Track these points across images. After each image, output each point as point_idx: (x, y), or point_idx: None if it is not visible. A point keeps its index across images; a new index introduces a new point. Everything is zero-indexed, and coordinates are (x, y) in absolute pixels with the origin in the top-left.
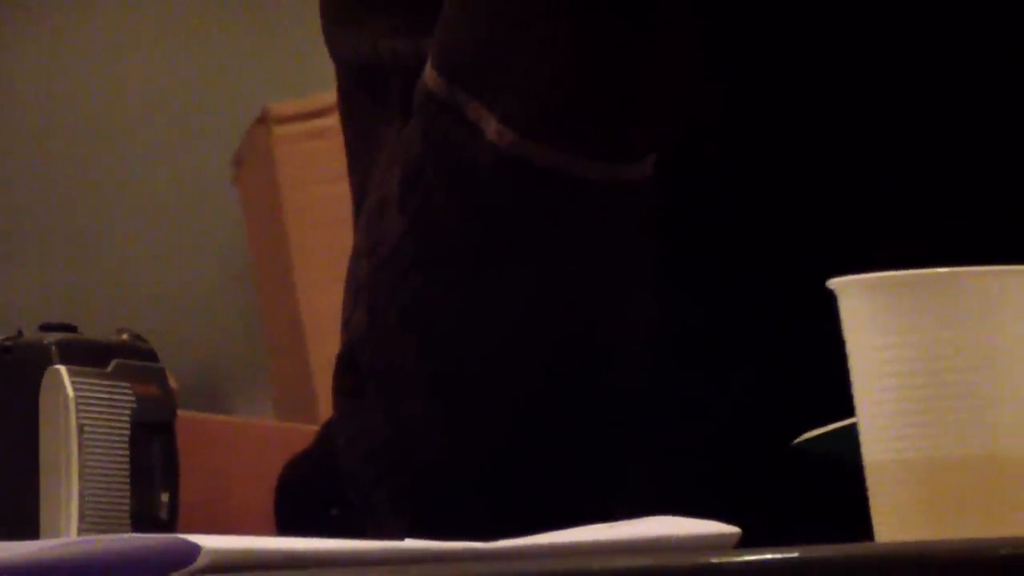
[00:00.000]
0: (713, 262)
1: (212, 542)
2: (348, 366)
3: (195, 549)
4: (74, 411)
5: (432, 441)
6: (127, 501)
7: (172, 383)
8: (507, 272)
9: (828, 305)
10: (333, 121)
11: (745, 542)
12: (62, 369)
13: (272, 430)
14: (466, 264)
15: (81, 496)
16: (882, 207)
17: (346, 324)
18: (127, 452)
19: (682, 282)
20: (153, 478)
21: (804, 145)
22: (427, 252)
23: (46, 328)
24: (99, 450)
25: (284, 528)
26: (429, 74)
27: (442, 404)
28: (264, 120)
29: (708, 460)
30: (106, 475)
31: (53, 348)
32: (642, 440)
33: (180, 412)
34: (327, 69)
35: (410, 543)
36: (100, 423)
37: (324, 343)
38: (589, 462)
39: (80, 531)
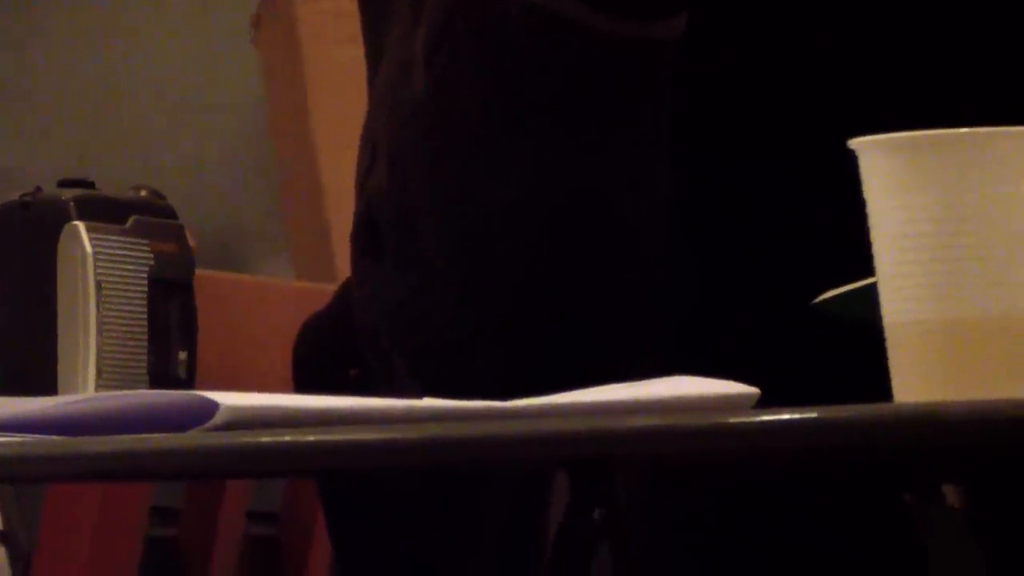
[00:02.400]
0: (734, 124)
1: (230, 399)
2: (365, 225)
3: (213, 406)
4: (92, 267)
5: (449, 300)
6: (145, 358)
7: (190, 241)
8: (532, 132)
9: (851, 169)
10: None
11: (764, 404)
12: (80, 225)
13: (290, 289)
14: (491, 124)
15: (99, 353)
16: (898, 76)
17: (362, 183)
18: (145, 309)
19: (703, 144)
20: (171, 336)
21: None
22: (452, 111)
23: (64, 184)
24: (117, 307)
25: (302, 387)
26: None
27: (460, 264)
28: None
29: (726, 323)
30: (124, 332)
31: (71, 204)
32: (659, 304)
33: (198, 271)
34: None
35: (429, 401)
36: (118, 279)
37: (343, 202)
38: (606, 326)
39: (98, 387)
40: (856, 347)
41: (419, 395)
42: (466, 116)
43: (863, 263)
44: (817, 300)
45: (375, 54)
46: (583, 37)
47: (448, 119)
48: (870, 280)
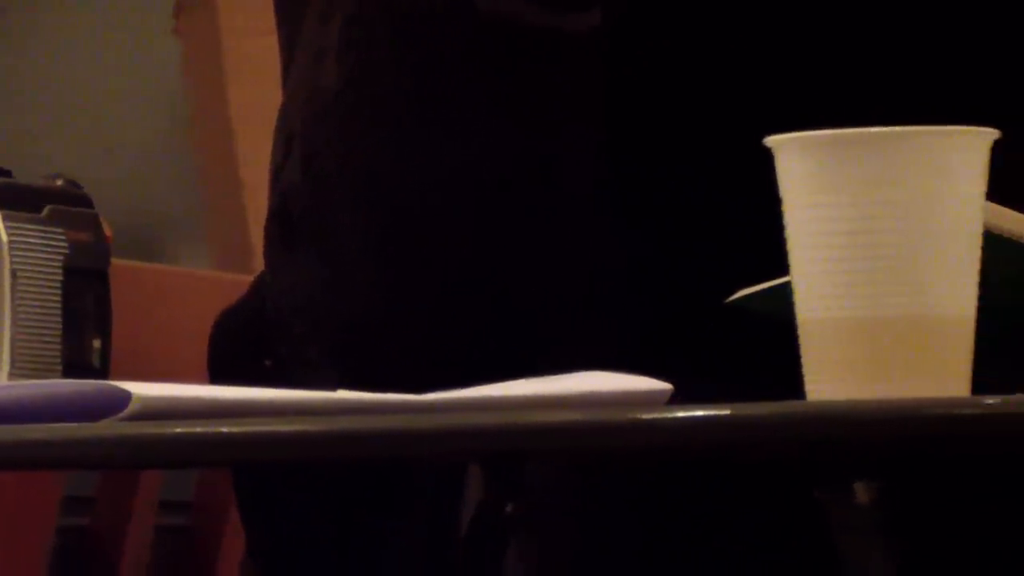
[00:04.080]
0: (657, 124)
1: (143, 389)
2: (280, 215)
3: (126, 396)
4: (7, 255)
5: (365, 291)
6: (59, 347)
7: (106, 230)
8: (448, 122)
9: (768, 167)
10: None
11: (679, 400)
12: None
13: (207, 280)
14: (407, 113)
15: (13, 342)
16: (823, 74)
17: (276, 174)
18: (59, 298)
19: (625, 144)
20: (86, 325)
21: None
22: (367, 101)
23: None
24: (32, 295)
25: (216, 378)
26: None
27: (377, 254)
28: None
29: (643, 318)
30: (38, 321)
31: None
32: (579, 298)
33: (115, 260)
34: None
35: (342, 394)
36: (33, 268)
37: (261, 193)
38: (525, 319)
39: (11, 376)
40: (770, 345)
41: (333, 386)
42: (382, 106)
43: (778, 261)
44: (732, 298)
45: (289, 46)
46: (498, 28)
47: (364, 109)
48: (784, 279)
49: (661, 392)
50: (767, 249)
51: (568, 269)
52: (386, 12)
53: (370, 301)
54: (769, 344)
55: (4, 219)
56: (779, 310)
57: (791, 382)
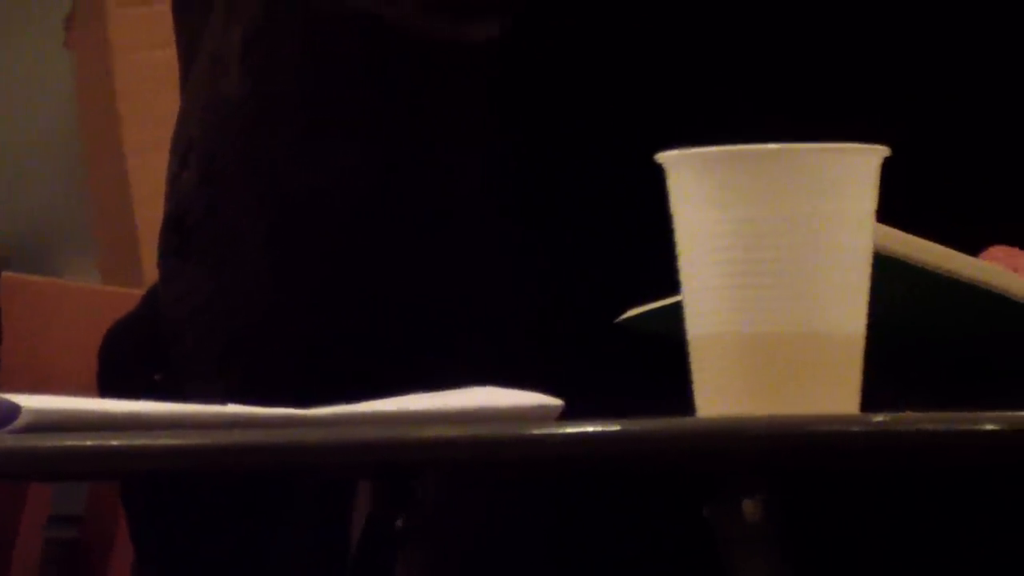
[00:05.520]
0: (549, 135)
1: (32, 402)
2: (174, 224)
3: (15, 408)
4: None
5: (259, 299)
6: None
7: None
8: (349, 129)
9: (660, 182)
10: None
11: (570, 416)
12: None
13: (97, 293)
14: (309, 122)
15: None
16: (716, 83)
17: (173, 182)
18: None
19: (519, 155)
20: None
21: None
22: (269, 108)
23: None
24: None
25: (106, 391)
26: None
27: (274, 261)
28: None
29: (535, 334)
30: None
31: None
32: (470, 312)
33: (4, 273)
34: None
35: (232, 408)
36: None
37: (151, 207)
38: (418, 331)
39: None
40: (661, 361)
41: (223, 398)
42: (283, 114)
43: (670, 279)
44: (623, 317)
45: (188, 54)
46: (399, 38)
47: (265, 117)
48: (675, 298)
49: (552, 408)
50: (659, 265)
51: (462, 282)
52: (289, 21)
53: (264, 309)
54: (660, 360)
55: None
56: (670, 329)
57: (682, 398)
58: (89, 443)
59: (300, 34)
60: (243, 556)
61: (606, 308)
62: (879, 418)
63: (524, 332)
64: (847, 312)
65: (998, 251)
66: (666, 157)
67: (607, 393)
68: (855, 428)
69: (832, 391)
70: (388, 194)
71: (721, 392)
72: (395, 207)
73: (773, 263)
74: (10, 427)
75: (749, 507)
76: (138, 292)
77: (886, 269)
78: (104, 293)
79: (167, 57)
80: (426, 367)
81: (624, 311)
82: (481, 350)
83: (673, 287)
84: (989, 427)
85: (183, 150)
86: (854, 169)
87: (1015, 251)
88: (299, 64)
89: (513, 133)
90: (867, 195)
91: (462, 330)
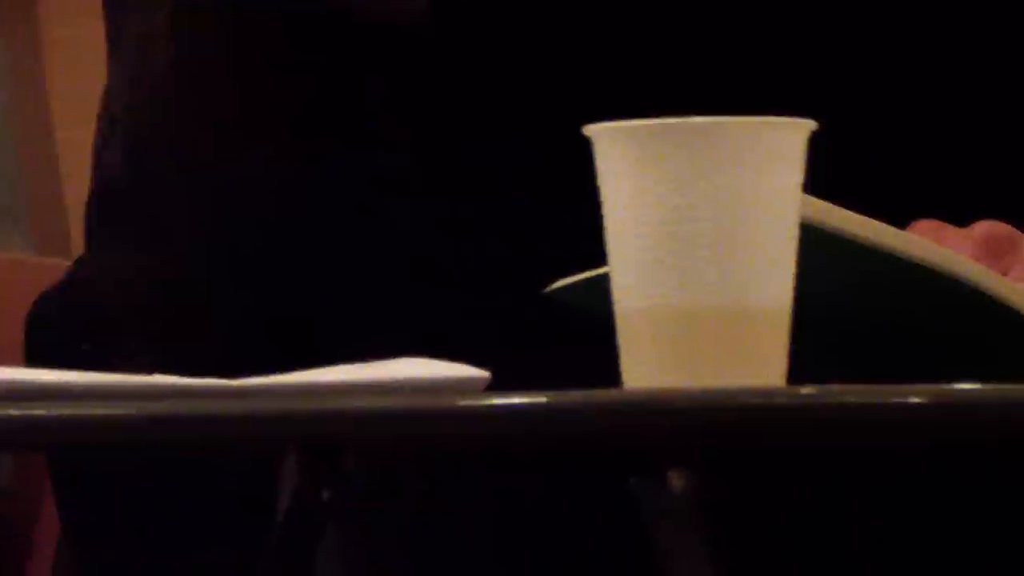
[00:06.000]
0: (478, 110)
1: None
2: (100, 198)
3: None
4: None
5: (183, 276)
6: None
7: None
8: (277, 107)
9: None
10: None
11: (497, 388)
12: None
13: (26, 265)
14: (235, 97)
15: None
16: (646, 63)
17: (98, 157)
18: None
19: (446, 131)
20: None
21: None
22: (193, 89)
23: None
24: None
25: (32, 362)
26: None
27: (195, 239)
28: None
29: (462, 306)
30: None
31: None
32: (398, 285)
33: None
34: None
35: (158, 378)
36: None
37: (81, 177)
38: (343, 308)
39: None
40: (588, 333)
41: (149, 371)
42: (206, 94)
43: (597, 251)
44: (550, 288)
45: (115, 31)
46: (328, 15)
47: (188, 97)
48: (602, 270)
49: (478, 379)
50: (587, 238)
51: (387, 256)
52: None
53: (187, 286)
54: (587, 333)
55: None
56: (596, 301)
57: (609, 371)
58: (13, 413)
59: (223, 15)
60: (169, 527)
61: (533, 280)
62: (805, 391)
63: (451, 305)
64: (774, 285)
65: (925, 224)
66: (593, 130)
67: (534, 366)
68: (781, 400)
69: (759, 364)
70: (316, 173)
71: (648, 365)
72: (323, 185)
73: (700, 236)
74: None
75: (674, 478)
76: (67, 263)
77: (813, 242)
78: (33, 264)
79: (96, 32)
80: (354, 342)
81: (551, 283)
82: (408, 324)
83: (601, 260)
84: (916, 400)
85: (107, 126)
86: (782, 142)
87: (942, 224)
88: (220, 46)
89: (442, 109)
90: (795, 168)
91: (389, 304)
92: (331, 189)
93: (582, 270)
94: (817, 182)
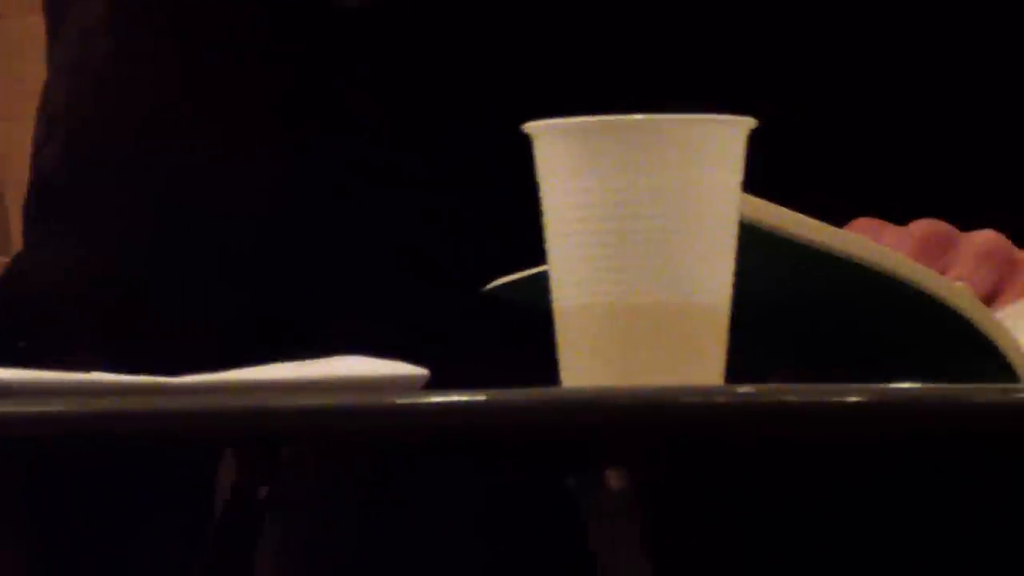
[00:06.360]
0: (418, 106)
1: None
2: (38, 194)
3: None
4: None
5: (122, 272)
6: None
7: None
8: (213, 105)
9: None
10: None
11: (435, 386)
12: None
13: None
14: (174, 90)
15: None
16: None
17: (38, 150)
18: None
19: (389, 125)
20: None
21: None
22: (133, 82)
23: None
24: None
25: None
26: None
27: (134, 235)
28: None
29: (401, 304)
30: None
31: None
32: (337, 285)
33: None
34: None
35: (98, 376)
36: None
37: (20, 173)
38: (282, 306)
39: None
40: (527, 331)
41: (88, 367)
42: (145, 88)
43: (538, 249)
44: (490, 286)
45: (55, 23)
46: (268, 5)
47: (128, 90)
48: (541, 267)
49: (417, 377)
50: (528, 236)
51: (327, 253)
52: None
53: (126, 282)
54: (528, 330)
55: None
56: (536, 298)
57: (548, 369)
58: None
59: (162, 8)
60: (106, 524)
61: (473, 278)
62: (743, 389)
63: (391, 303)
64: (714, 283)
65: (863, 222)
66: (532, 127)
67: (474, 364)
68: (719, 399)
69: (698, 362)
70: (256, 169)
71: (587, 363)
72: (264, 182)
73: (639, 233)
74: None
75: (612, 477)
76: (5, 260)
77: (752, 240)
78: None
79: (36, 25)
80: (295, 341)
81: (491, 281)
82: (348, 323)
83: (542, 258)
84: (854, 399)
85: (47, 119)
86: (721, 140)
87: (880, 223)
88: (160, 39)
89: (383, 104)
90: (734, 166)
91: (330, 303)
92: (271, 189)
93: (523, 268)
94: (755, 180)
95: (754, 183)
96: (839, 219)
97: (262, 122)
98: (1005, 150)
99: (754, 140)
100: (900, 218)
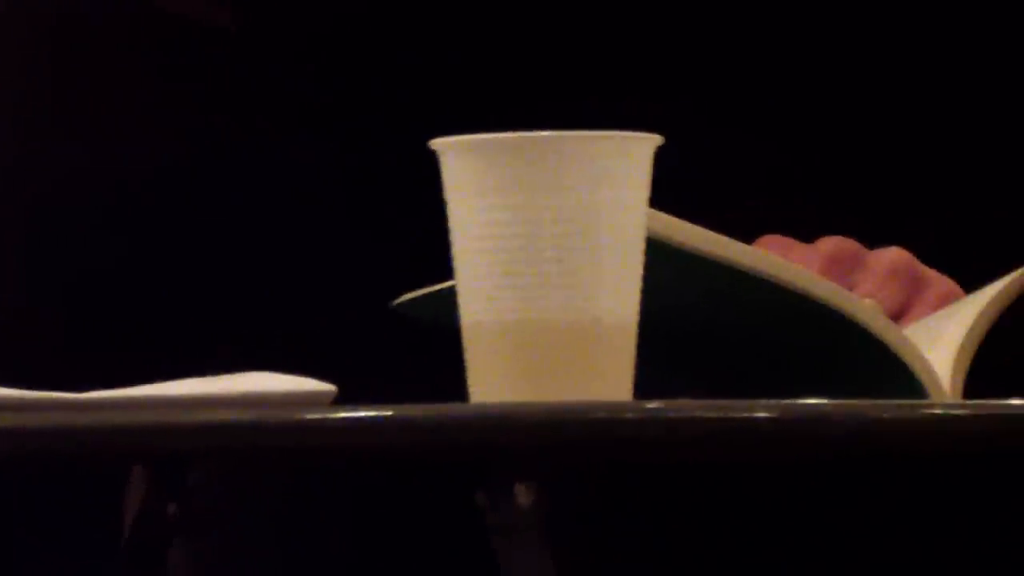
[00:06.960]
0: (322, 123)
1: None
2: None
3: None
4: None
5: (13, 289)
6: None
7: None
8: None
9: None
10: None
11: (344, 401)
12: None
13: None
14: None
15: None
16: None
17: None
18: None
19: (292, 142)
20: None
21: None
22: (7, 93)
23: None
24: None
25: None
26: None
27: (25, 254)
28: None
29: (310, 320)
30: None
31: None
32: (241, 299)
33: None
34: None
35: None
36: None
37: None
38: (184, 320)
39: None
40: (436, 347)
41: None
42: (19, 99)
43: (446, 265)
44: (397, 301)
45: None
46: (149, 19)
47: (5, 106)
48: (448, 283)
49: (324, 393)
50: (435, 252)
51: (233, 269)
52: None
53: (18, 297)
54: (436, 346)
55: None
56: (443, 315)
57: (456, 386)
58: None
59: (36, 20)
60: (12, 546)
61: (381, 294)
62: (652, 405)
63: (297, 318)
64: (621, 299)
65: (771, 239)
66: (438, 143)
67: (381, 380)
68: (628, 415)
69: (606, 378)
70: (141, 185)
71: (494, 379)
72: (148, 197)
73: (546, 251)
74: None
75: (520, 493)
76: None
77: (659, 256)
78: None
79: None
80: (196, 356)
81: (398, 296)
82: (254, 337)
83: (450, 274)
84: (763, 415)
85: None
86: (628, 157)
87: (789, 240)
88: (34, 50)
89: (283, 120)
90: (641, 182)
91: (233, 318)
92: (162, 202)
93: (430, 284)
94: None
95: (662, 199)
96: (748, 235)
97: (151, 133)
98: (916, 163)
99: (662, 156)
100: (808, 234)
